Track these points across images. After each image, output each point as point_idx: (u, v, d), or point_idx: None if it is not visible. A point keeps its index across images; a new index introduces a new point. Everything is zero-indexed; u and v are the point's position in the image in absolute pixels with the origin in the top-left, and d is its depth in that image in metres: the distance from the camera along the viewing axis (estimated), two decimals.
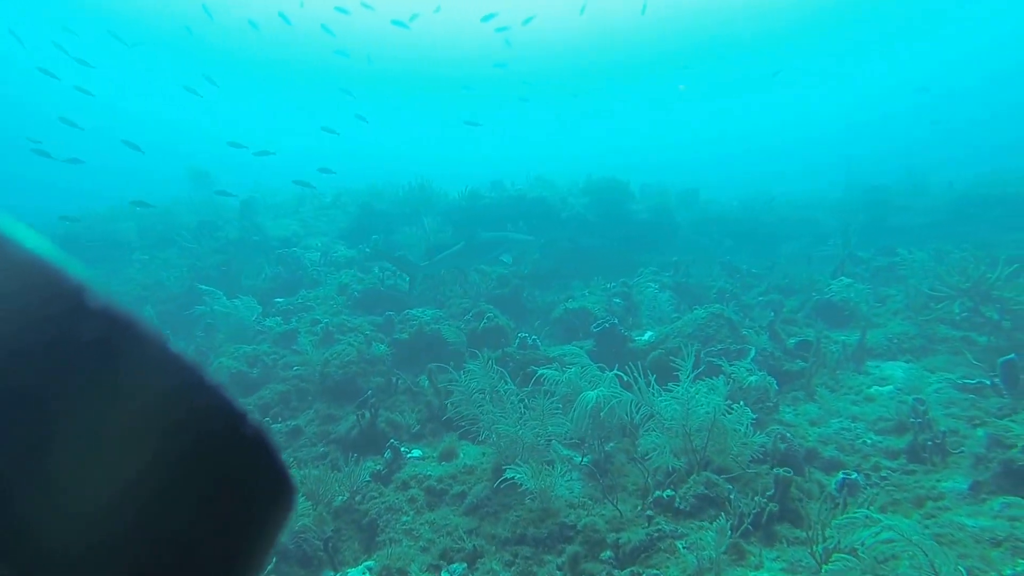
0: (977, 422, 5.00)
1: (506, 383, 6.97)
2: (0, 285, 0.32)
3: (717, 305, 7.05)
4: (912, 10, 48.41)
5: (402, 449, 6.31)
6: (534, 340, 8.12)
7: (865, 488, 4.47)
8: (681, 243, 14.67)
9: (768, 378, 5.59)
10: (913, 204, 15.43)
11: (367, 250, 14.43)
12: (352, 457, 6.36)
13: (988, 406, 5.11)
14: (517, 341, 8.16)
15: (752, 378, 5.49)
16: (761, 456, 4.58)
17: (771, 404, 5.72)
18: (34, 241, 0.33)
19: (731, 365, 5.70)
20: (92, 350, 0.33)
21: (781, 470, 4.10)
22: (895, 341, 6.65)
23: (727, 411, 4.58)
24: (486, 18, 24.61)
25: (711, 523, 3.99)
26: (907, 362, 6.31)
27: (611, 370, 7.06)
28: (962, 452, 4.39)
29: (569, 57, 56.09)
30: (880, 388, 5.81)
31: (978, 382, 5.20)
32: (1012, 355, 4.86)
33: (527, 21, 28.33)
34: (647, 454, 5.01)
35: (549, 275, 12.87)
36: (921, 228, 13.78)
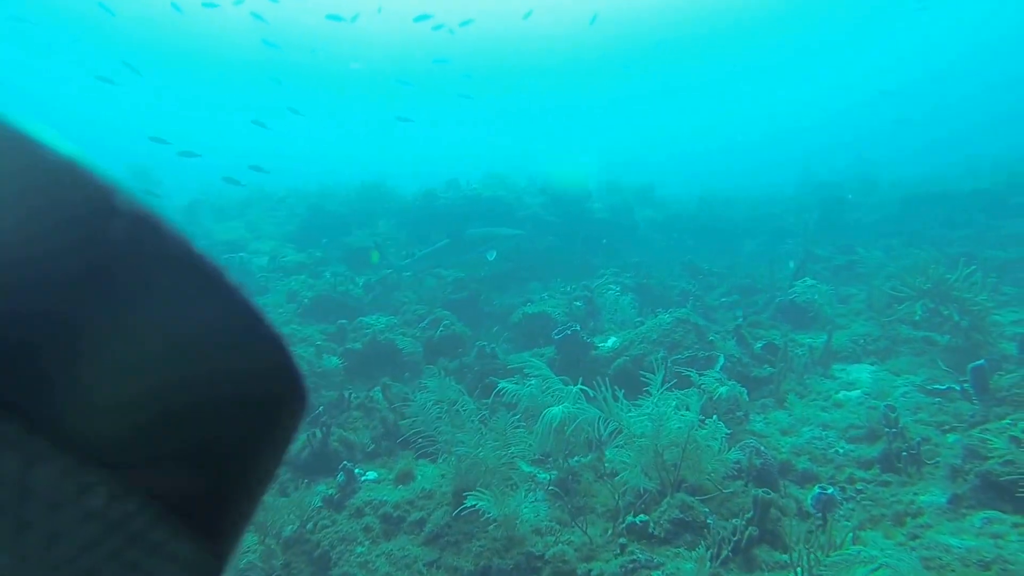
0: (947, 427, 4.90)
1: (464, 397, 6.64)
2: (27, 186, 0.31)
3: (683, 309, 6.85)
4: (865, 9, 49.88)
5: (356, 471, 5.89)
6: (493, 348, 7.79)
7: (842, 503, 4.29)
8: (640, 242, 14.57)
9: (739, 388, 5.39)
10: (864, 201, 15.71)
11: (317, 254, 13.88)
12: (303, 481, 5.92)
13: (955, 410, 5.02)
14: (475, 350, 7.82)
15: (722, 389, 5.29)
16: (736, 473, 4.36)
17: (742, 414, 5.53)
18: (60, 142, 0.33)
19: (700, 375, 5.48)
20: (121, 249, 0.33)
21: (761, 491, 3.88)
22: (859, 343, 6.57)
23: (700, 426, 4.34)
24: (419, 18, 23.98)
25: (689, 550, 3.73)
26: (872, 364, 6.23)
27: (574, 382, 6.83)
28: (937, 463, 4.27)
29: (514, 55, 55.72)
30: (848, 393, 5.70)
31: (947, 387, 5.11)
32: (982, 361, 4.79)
33: (465, 24, 27.80)
34: (615, 471, 4.74)
35: (507, 277, 12.56)
36: (873, 225, 14.00)
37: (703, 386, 5.41)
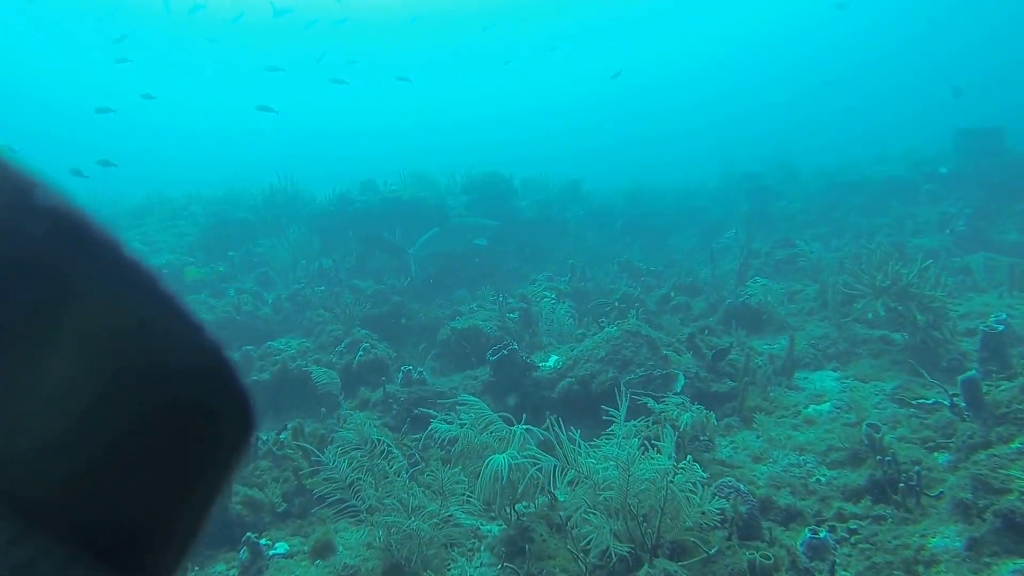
0: (931, 444, 4.45)
1: (389, 438, 5.75)
2: None
3: (631, 320, 6.19)
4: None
5: (263, 543, 4.87)
6: (420, 372, 6.89)
7: (835, 547, 3.71)
8: (572, 241, 13.96)
9: (703, 412, 4.76)
10: (787, 191, 15.77)
11: (221, 269, 12.48)
12: (194, 562, 4.84)
13: (937, 423, 4.59)
14: (401, 375, 6.90)
15: (686, 416, 4.63)
16: (719, 522, 3.69)
17: (706, 438, 4.91)
18: None
19: (660, 401, 4.82)
20: (41, 256, 0.29)
21: (756, 555, 3.21)
22: (818, 347, 6.14)
23: (674, 470, 3.64)
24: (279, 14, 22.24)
25: None
26: (835, 372, 5.79)
27: (515, 411, 6.04)
28: (941, 494, 3.76)
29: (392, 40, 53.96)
30: (818, 407, 5.20)
31: (935, 402, 4.68)
32: (973, 371, 4.36)
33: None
34: (573, 521, 3.99)
35: (432, 285, 11.64)
36: (799, 215, 13.99)
37: (664, 413, 4.75)
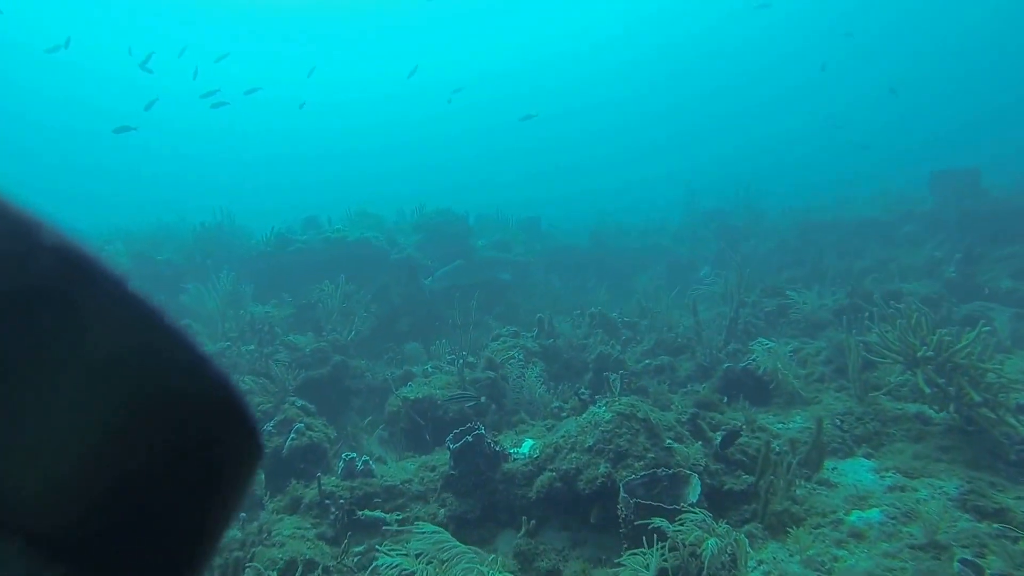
0: None
1: (325, 549, 4.48)
2: None
3: (626, 398, 5.07)
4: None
5: None
6: (365, 461, 5.60)
7: None
8: (535, 284, 12.90)
9: (734, 534, 3.64)
10: (755, 229, 15.19)
11: None
12: None
13: None
14: (342, 464, 5.60)
15: (711, 542, 3.51)
16: None
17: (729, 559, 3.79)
18: None
19: (672, 518, 3.69)
20: (48, 293, 0.30)
21: None
22: (842, 426, 5.16)
23: None
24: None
25: None
26: (869, 459, 4.80)
27: (483, 517, 4.86)
28: None
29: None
30: (864, 514, 4.16)
31: None
32: None
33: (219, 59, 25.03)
34: None
35: (379, 337, 10.35)
36: (772, 255, 13.32)
37: (682, 536, 3.63)
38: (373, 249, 12.45)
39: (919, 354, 4.77)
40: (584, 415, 5.08)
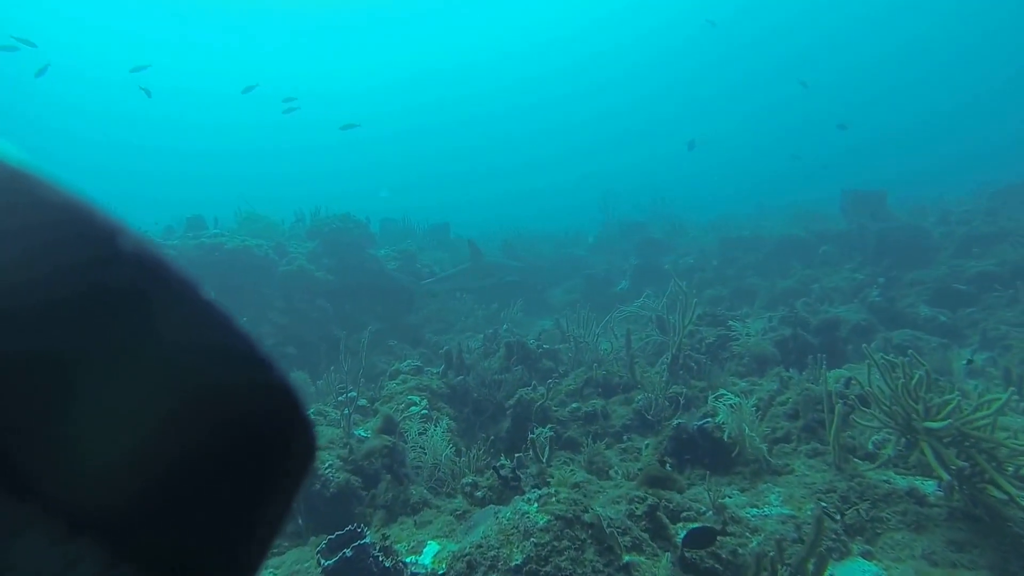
0: None
1: None
2: (26, 228, 0.29)
3: (564, 493, 3.77)
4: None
5: None
6: None
7: None
8: (437, 306, 11.45)
9: None
10: (675, 244, 14.54)
11: None
12: None
13: None
14: None
15: None
16: None
17: None
18: (58, 179, 0.31)
19: None
20: (125, 299, 0.31)
21: None
22: (828, 509, 4.16)
23: None
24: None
25: None
26: (868, 560, 3.80)
27: None
28: None
29: None
30: None
31: None
32: None
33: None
34: None
35: None
36: (694, 271, 12.60)
37: None
38: (257, 258, 10.56)
39: (928, 424, 3.83)
40: (508, 513, 3.75)
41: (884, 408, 4.20)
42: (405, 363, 7.34)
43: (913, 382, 4.02)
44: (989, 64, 48.95)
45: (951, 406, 3.78)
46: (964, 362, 6.41)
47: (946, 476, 3.66)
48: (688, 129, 57.30)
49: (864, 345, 5.05)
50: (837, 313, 8.54)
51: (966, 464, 3.67)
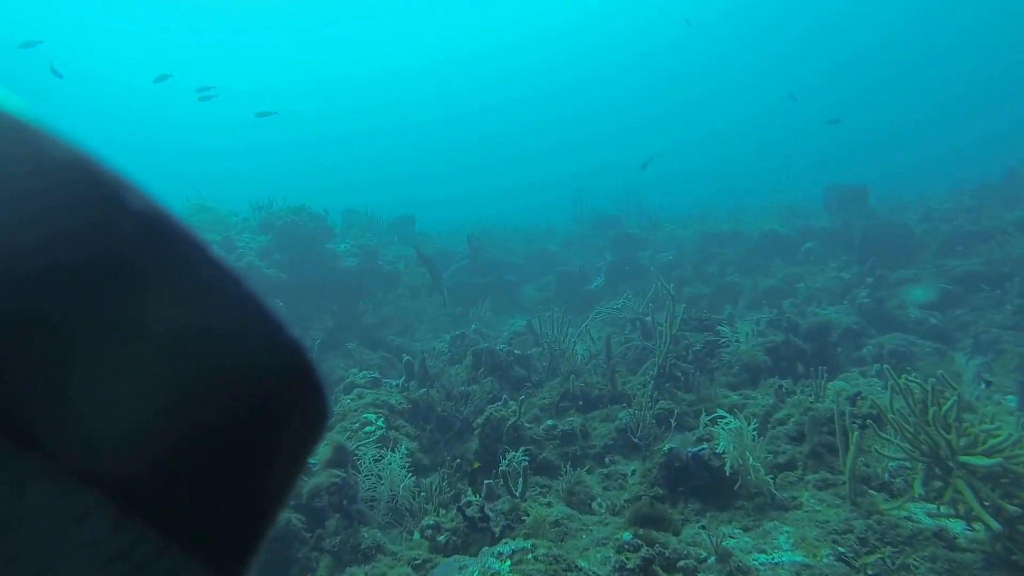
0: None
1: None
2: (30, 182, 0.29)
3: (543, 547, 3.10)
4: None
5: None
6: None
7: None
8: (399, 305, 10.67)
9: None
10: (652, 237, 13.99)
11: None
12: None
13: None
14: None
15: None
16: None
17: None
18: (63, 135, 0.31)
19: None
20: (133, 249, 0.30)
21: None
22: (844, 555, 3.59)
23: None
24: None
25: None
26: None
27: None
28: None
29: None
30: None
31: None
32: None
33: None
34: None
35: None
36: (672, 268, 12.06)
37: None
38: None
39: (968, 460, 3.26)
40: (475, 572, 3.07)
41: (908, 435, 3.63)
42: (361, 374, 6.59)
43: (945, 408, 3.45)
44: (964, 62, 49.74)
45: (997, 440, 3.21)
46: (982, 385, 5.89)
47: (996, 525, 3.09)
48: (662, 126, 57.25)
49: (885, 366, 4.51)
50: (827, 316, 8.04)
51: (1019, 509, 3.11)
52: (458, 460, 5.32)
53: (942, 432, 3.44)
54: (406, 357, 6.38)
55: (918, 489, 3.52)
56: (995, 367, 7.66)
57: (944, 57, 50.12)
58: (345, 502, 4.35)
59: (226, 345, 0.32)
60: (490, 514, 3.94)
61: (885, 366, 4.31)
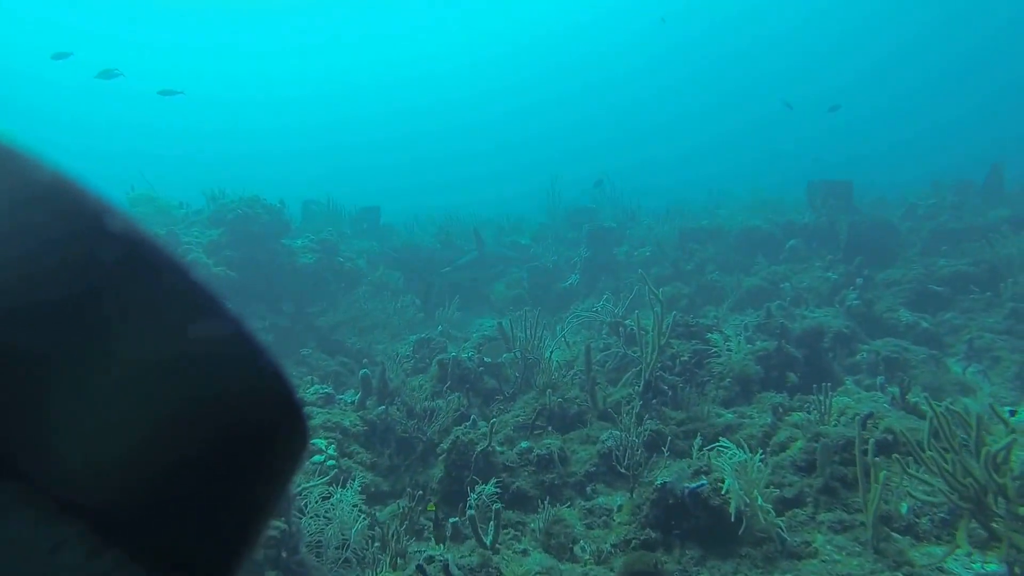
0: None
1: None
2: (11, 207, 0.29)
3: None
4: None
5: None
6: None
7: None
8: (361, 306, 9.91)
9: None
10: (628, 233, 13.44)
11: None
12: None
13: None
14: None
15: None
16: None
17: None
18: (50, 156, 0.31)
19: None
20: (114, 279, 0.30)
21: None
22: None
23: None
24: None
25: None
26: None
27: None
28: None
29: None
30: None
31: None
32: None
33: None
34: None
35: None
36: (649, 264, 11.51)
37: None
38: None
39: (978, 493, 2.74)
40: None
41: (947, 476, 3.10)
42: (312, 389, 5.87)
43: (995, 449, 2.92)
44: (940, 55, 50.32)
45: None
46: (1010, 415, 5.42)
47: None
48: (635, 117, 56.88)
49: (925, 394, 3.98)
50: (817, 320, 7.56)
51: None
52: (420, 492, 4.66)
53: (993, 475, 2.91)
54: (364, 371, 5.67)
55: (963, 543, 2.99)
56: (991, 375, 7.30)
57: (917, 44, 50.75)
58: (284, 554, 3.67)
59: (206, 374, 0.31)
60: (456, 573, 3.29)
61: (925, 394, 3.76)
